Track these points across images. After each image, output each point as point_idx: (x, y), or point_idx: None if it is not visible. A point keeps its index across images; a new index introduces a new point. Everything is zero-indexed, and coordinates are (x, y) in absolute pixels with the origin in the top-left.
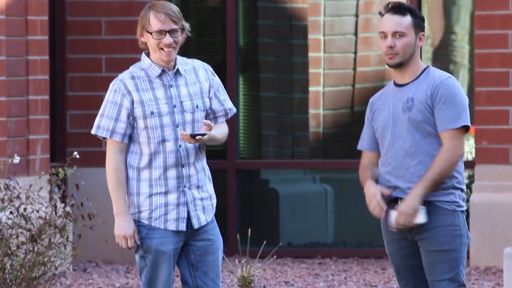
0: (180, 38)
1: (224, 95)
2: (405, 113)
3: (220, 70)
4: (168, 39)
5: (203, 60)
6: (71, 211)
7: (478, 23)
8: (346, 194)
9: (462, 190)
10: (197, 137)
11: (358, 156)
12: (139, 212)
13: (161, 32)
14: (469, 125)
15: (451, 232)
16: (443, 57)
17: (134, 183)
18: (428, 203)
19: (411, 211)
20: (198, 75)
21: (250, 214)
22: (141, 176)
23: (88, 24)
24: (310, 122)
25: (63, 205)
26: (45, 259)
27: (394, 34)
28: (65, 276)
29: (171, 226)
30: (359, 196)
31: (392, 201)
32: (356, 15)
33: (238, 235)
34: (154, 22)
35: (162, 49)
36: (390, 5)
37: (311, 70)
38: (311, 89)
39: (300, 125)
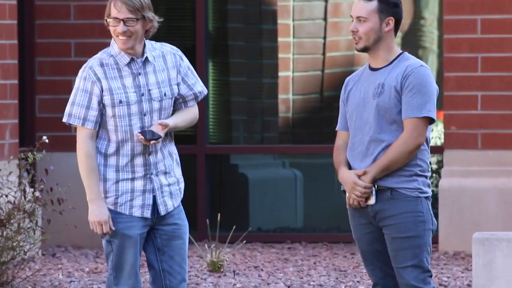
0: (138, 27)
1: (193, 79)
2: (375, 99)
3: (189, 55)
4: (121, 27)
5: (173, 45)
6: (40, 196)
7: (446, 8)
8: (315, 179)
9: (426, 177)
10: (151, 142)
11: (327, 141)
12: (106, 197)
13: (116, 20)
14: (433, 117)
15: (414, 219)
16: (412, 42)
17: (101, 169)
18: (391, 190)
19: (363, 191)
20: (166, 61)
21: (219, 199)
22: (108, 162)
23: (57, 8)
24: (279, 107)
25: (32, 190)
26: (14, 244)
27: (358, 19)
28: (34, 261)
29: (136, 213)
30: (329, 181)
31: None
32: (326, 0)
33: (207, 220)
34: (112, 9)
35: (117, 37)
36: None
37: (280, 55)
38: (280, 74)
39: (270, 110)
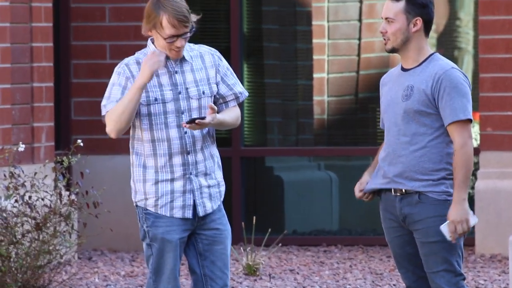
0: (189, 35)
1: (233, 79)
2: (403, 101)
3: (224, 56)
4: (180, 42)
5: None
6: (76, 199)
7: (482, 9)
8: (350, 181)
9: (452, 178)
10: (197, 121)
11: (362, 143)
12: (146, 199)
13: (173, 37)
14: (470, 118)
15: (441, 223)
16: (447, 43)
17: (141, 170)
18: (419, 194)
19: (464, 216)
20: (205, 60)
21: (254, 201)
22: (146, 163)
23: (92, 10)
24: (314, 109)
25: (68, 193)
26: (50, 248)
27: (386, 19)
28: (70, 265)
29: (177, 214)
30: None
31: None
32: (360, 1)
33: (243, 223)
34: (167, 27)
35: (172, 49)
36: None
37: (315, 57)
38: (315, 75)
39: (305, 112)
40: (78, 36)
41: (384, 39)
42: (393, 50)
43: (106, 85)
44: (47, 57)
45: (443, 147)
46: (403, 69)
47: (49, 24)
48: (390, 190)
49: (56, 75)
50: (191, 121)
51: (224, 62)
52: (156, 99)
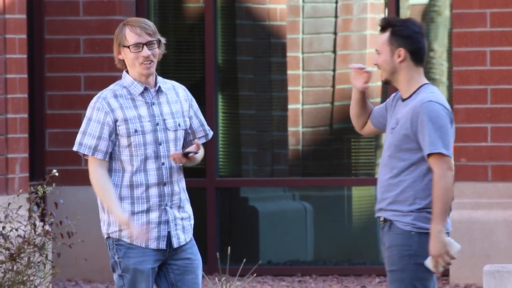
0: (157, 51)
1: (202, 117)
2: (390, 133)
3: (199, 88)
4: (146, 51)
5: (182, 78)
6: (50, 230)
7: (456, 41)
8: (325, 211)
9: (426, 211)
10: (190, 155)
11: (337, 174)
12: (120, 230)
13: (138, 45)
14: (442, 152)
15: (400, 252)
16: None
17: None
18: (390, 222)
19: (443, 250)
20: (178, 94)
21: (229, 232)
22: (122, 194)
23: (66, 42)
24: (289, 139)
25: (42, 223)
26: (25, 278)
27: (376, 51)
28: None
29: (152, 245)
30: (339, 214)
31: None
32: (335, 33)
33: (217, 253)
34: (130, 36)
35: (142, 63)
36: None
37: (290, 88)
38: (290, 106)
39: (280, 143)
40: (52, 68)
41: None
42: (387, 82)
43: (81, 116)
44: (21, 88)
45: (418, 181)
46: (401, 99)
47: (23, 55)
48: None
49: (31, 106)
50: (185, 155)
51: (194, 100)
52: (136, 131)
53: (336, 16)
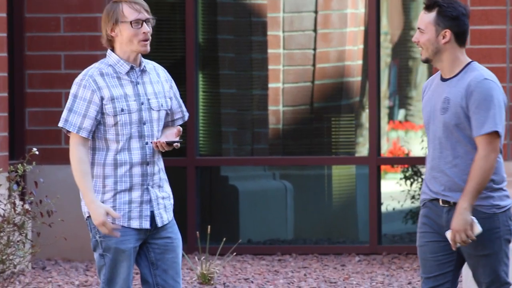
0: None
1: (180, 99)
2: (442, 114)
3: (179, 67)
4: (146, 27)
5: (162, 57)
6: (30, 209)
7: None
8: (305, 190)
9: (502, 189)
10: (175, 144)
11: (317, 153)
12: None
13: (138, 22)
14: (497, 130)
15: (490, 236)
16: (402, 53)
17: (100, 181)
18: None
19: (463, 226)
20: (159, 74)
21: (209, 211)
22: (106, 173)
23: (46, 20)
24: (269, 118)
25: (21, 202)
26: (4, 257)
27: (418, 29)
28: (24, 274)
29: (134, 224)
30: (319, 193)
31: None
32: (315, 12)
33: (197, 232)
34: (130, 12)
35: (140, 40)
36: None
37: (270, 67)
38: (270, 85)
39: (260, 122)
40: (32, 46)
41: (419, 49)
42: (427, 61)
43: (61, 95)
44: (1, 67)
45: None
46: (442, 79)
47: (3, 34)
48: (437, 199)
49: (11, 85)
50: (171, 144)
51: (173, 81)
52: (122, 110)
53: None
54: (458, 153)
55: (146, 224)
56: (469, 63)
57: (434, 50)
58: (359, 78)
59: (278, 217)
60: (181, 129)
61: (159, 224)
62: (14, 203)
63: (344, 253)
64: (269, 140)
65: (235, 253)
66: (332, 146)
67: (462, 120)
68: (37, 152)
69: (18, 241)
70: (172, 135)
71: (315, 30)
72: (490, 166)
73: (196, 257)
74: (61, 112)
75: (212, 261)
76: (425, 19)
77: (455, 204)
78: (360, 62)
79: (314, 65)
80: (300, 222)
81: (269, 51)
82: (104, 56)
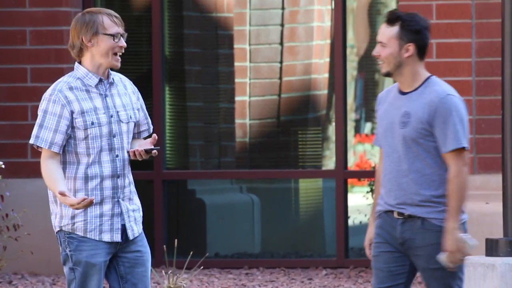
0: None
1: (146, 111)
2: (401, 128)
3: (146, 79)
4: (123, 42)
5: (129, 70)
6: None
7: None
8: (273, 204)
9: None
10: (153, 152)
11: (284, 166)
12: (73, 223)
13: (117, 36)
14: (464, 146)
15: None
16: (368, 66)
17: (71, 194)
18: (422, 220)
19: (457, 246)
20: (126, 86)
21: (176, 224)
22: (76, 186)
23: (12, 34)
24: (236, 132)
25: None
26: None
27: (380, 43)
28: None
29: (106, 237)
30: (286, 206)
31: None
32: (282, 25)
33: (164, 246)
34: (110, 24)
35: (115, 54)
36: (386, 14)
37: (237, 80)
38: (237, 98)
39: (227, 135)
40: None
41: (379, 63)
42: (388, 74)
43: (27, 108)
44: None
45: (442, 173)
46: (400, 92)
47: None
48: (392, 211)
49: None
50: (149, 151)
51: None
52: (92, 123)
53: (283, 8)
54: (416, 167)
55: (118, 237)
56: (428, 77)
57: (396, 64)
58: (325, 91)
59: (245, 230)
60: (156, 136)
61: (131, 237)
62: None
63: (311, 267)
64: (236, 154)
65: (202, 267)
66: (299, 159)
67: (422, 135)
68: (3, 166)
69: None
70: (147, 143)
71: (281, 43)
72: (465, 180)
73: (163, 271)
74: (27, 125)
75: (179, 274)
76: (387, 33)
77: (409, 216)
78: (326, 75)
79: (280, 78)
80: (268, 236)
81: (236, 64)
82: (70, 69)
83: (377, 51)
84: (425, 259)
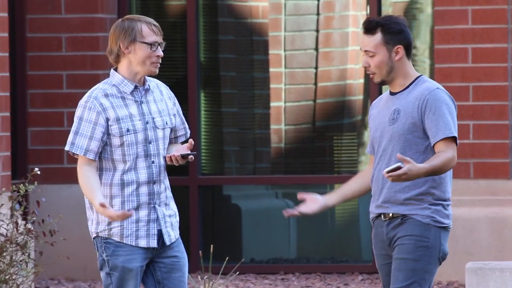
0: None
1: (183, 116)
2: (390, 125)
3: (181, 86)
4: (160, 51)
5: (164, 76)
6: (32, 228)
7: (438, 38)
8: None
9: (442, 206)
10: (189, 157)
11: (320, 172)
12: (110, 229)
13: (155, 44)
14: (456, 136)
15: (416, 242)
16: None
17: (107, 201)
18: (403, 216)
19: (404, 179)
20: (162, 92)
21: (212, 230)
22: (113, 193)
23: (48, 40)
24: (272, 137)
25: (24, 222)
26: (7, 277)
27: (366, 53)
28: None
29: (142, 243)
30: (322, 212)
31: None
32: (317, 30)
33: (200, 252)
34: (149, 33)
35: (153, 62)
36: (363, 23)
37: (272, 85)
38: (272, 104)
39: (262, 141)
40: (34, 66)
41: (370, 74)
42: (383, 83)
43: (62, 114)
44: (3, 87)
45: None
46: (391, 93)
47: (5, 54)
48: (380, 215)
49: (13, 105)
50: (185, 156)
51: (175, 98)
52: (128, 130)
53: (318, 14)
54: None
55: (154, 243)
56: (418, 76)
57: (388, 70)
58: (360, 97)
59: (281, 236)
60: (192, 141)
61: (167, 242)
62: (17, 223)
63: (347, 272)
64: (272, 159)
65: (238, 272)
66: (335, 165)
67: (409, 130)
68: (39, 172)
69: (21, 261)
70: (184, 148)
71: (316, 49)
72: (450, 166)
73: (199, 276)
74: (63, 131)
75: (215, 280)
76: (371, 41)
77: (394, 215)
78: (361, 80)
79: (315, 83)
80: (303, 241)
81: (271, 70)
82: (106, 75)
83: (365, 61)
84: (397, 248)
